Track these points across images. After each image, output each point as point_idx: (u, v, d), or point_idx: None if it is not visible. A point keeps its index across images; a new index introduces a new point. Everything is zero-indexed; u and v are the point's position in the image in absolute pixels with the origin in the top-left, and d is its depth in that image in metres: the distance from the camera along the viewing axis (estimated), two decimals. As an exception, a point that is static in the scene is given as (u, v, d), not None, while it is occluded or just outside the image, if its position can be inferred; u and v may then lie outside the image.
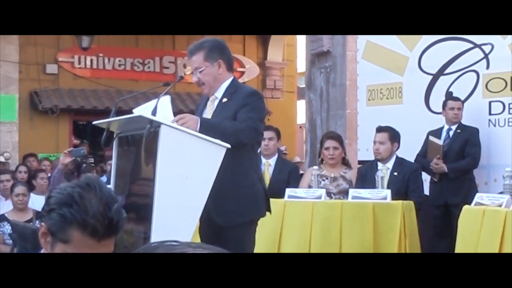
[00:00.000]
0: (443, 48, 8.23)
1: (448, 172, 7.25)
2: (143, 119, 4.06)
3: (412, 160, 7.32)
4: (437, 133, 7.60)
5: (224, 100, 4.47)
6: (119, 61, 14.64)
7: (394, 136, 7.00)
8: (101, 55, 14.48)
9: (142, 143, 4.27)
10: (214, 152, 4.08)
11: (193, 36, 15.23)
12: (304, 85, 11.24)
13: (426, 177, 7.43)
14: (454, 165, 7.29)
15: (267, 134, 6.71)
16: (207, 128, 4.15)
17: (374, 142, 7.02)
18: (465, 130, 7.46)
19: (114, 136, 4.60)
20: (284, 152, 13.11)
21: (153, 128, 4.01)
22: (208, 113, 4.54)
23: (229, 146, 4.09)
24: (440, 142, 7.39)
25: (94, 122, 4.60)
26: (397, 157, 6.92)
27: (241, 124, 4.31)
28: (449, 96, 7.81)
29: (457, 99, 7.63)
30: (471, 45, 7.99)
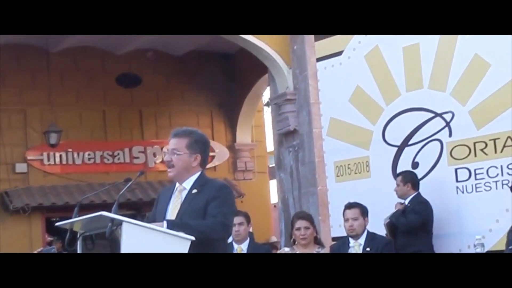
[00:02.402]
0: (405, 119, 8.35)
1: None
2: (104, 218, 4.04)
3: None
4: None
5: (194, 191, 4.45)
6: (89, 154, 14.61)
7: (364, 211, 7.02)
8: (70, 150, 14.44)
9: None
10: (178, 246, 4.06)
11: (162, 125, 15.03)
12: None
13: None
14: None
15: (236, 219, 6.66)
16: (174, 229, 4.13)
17: (347, 219, 6.97)
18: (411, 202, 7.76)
19: (78, 235, 4.55)
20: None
21: (115, 227, 3.99)
22: (175, 204, 4.51)
23: (193, 238, 4.07)
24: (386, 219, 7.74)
25: (57, 224, 4.56)
26: (368, 232, 6.91)
27: (208, 221, 4.29)
28: None
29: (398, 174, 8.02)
30: (432, 115, 8.11)
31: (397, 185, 7.86)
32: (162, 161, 14.57)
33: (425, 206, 7.68)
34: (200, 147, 4.52)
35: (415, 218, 7.60)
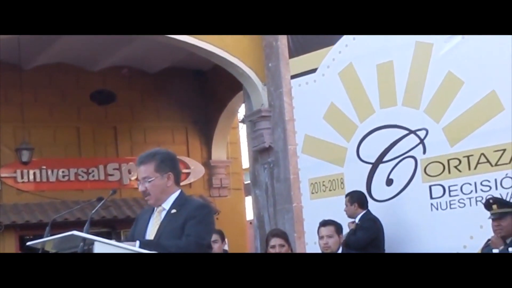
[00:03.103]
0: (379, 136, 8.36)
1: None
2: (76, 237, 4.00)
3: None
4: None
5: (173, 211, 4.41)
6: (63, 172, 14.49)
7: (339, 228, 7.01)
8: (44, 167, 14.33)
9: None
10: (151, 265, 4.02)
11: (137, 142, 14.91)
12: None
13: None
14: None
15: (210, 237, 6.65)
16: (146, 249, 4.09)
17: (322, 237, 6.95)
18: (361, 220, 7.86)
19: (50, 255, 4.50)
20: None
21: (87, 246, 3.95)
22: (154, 225, 4.47)
23: (167, 257, 4.04)
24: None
25: (28, 243, 4.50)
26: (343, 249, 6.90)
27: (181, 242, 4.25)
28: None
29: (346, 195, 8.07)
30: (406, 132, 8.13)
31: (346, 205, 7.96)
32: (137, 180, 14.49)
33: (374, 223, 7.75)
34: (169, 164, 4.47)
35: (363, 234, 7.68)
